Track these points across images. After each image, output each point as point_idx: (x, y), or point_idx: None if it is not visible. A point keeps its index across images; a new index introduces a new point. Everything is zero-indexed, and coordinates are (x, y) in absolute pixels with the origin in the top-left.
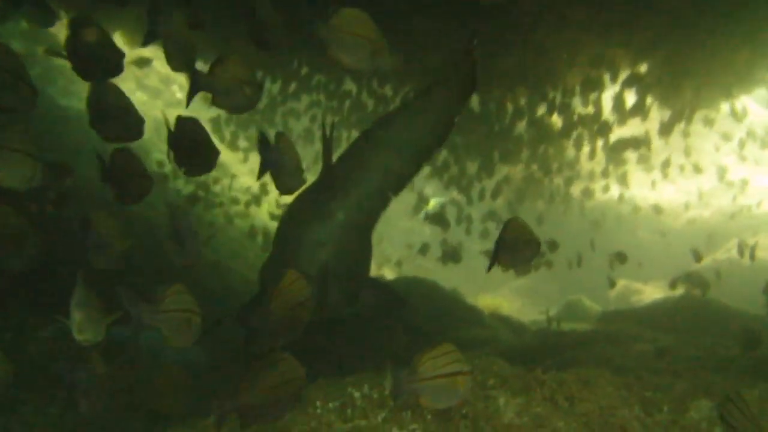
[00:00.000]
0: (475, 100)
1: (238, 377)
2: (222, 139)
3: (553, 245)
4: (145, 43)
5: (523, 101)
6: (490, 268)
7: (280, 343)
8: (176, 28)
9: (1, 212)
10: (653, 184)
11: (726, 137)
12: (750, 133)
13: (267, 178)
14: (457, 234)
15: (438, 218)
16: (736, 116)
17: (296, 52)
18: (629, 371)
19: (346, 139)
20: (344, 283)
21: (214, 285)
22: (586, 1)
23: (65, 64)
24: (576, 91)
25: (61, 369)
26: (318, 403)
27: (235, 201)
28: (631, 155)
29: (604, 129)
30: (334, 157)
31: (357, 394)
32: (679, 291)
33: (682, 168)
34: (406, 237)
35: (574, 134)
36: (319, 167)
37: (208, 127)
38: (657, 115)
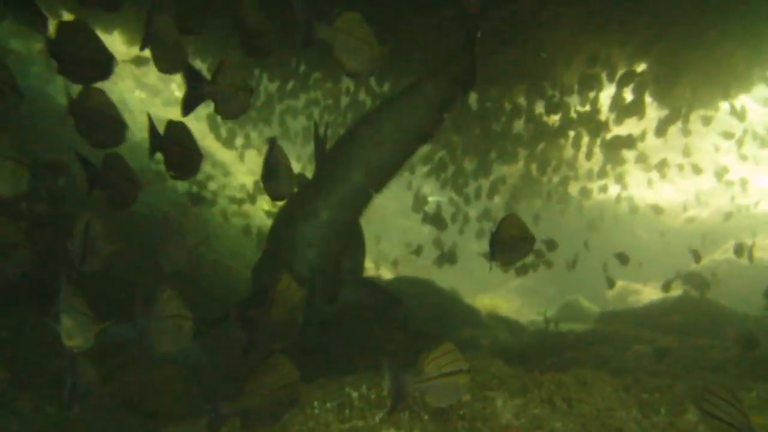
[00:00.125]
0: (472, 99)
1: (237, 380)
2: (218, 137)
3: (552, 245)
4: (142, 48)
5: (521, 99)
6: (491, 263)
7: (279, 347)
8: (163, 31)
9: None
10: (650, 182)
11: (727, 135)
12: (747, 132)
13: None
14: (454, 234)
15: (435, 218)
16: (739, 115)
17: (294, 50)
18: (627, 372)
19: None
20: (327, 282)
21: (214, 284)
22: (583, 1)
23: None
24: (574, 90)
25: (60, 371)
26: (316, 404)
27: (233, 200)
28: (629, 155)
29: (600, 128)
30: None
31: (355, 395)
32: (673, 293)
33: (681, 167)
34: (404, 236)
35: (571, 133)
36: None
37: (204, 125)
38: (655, 114)
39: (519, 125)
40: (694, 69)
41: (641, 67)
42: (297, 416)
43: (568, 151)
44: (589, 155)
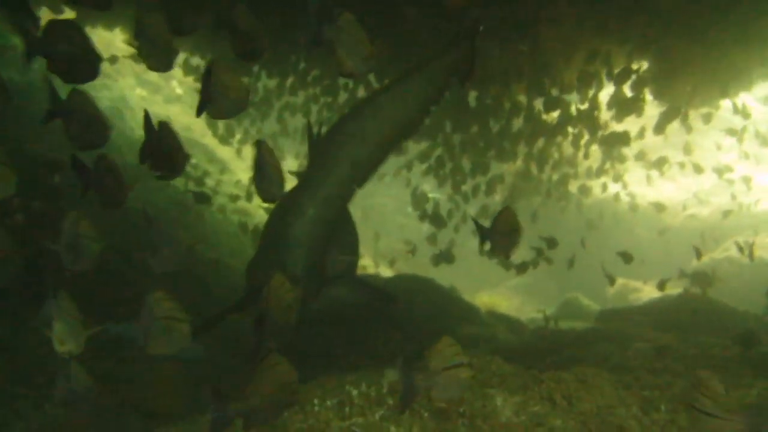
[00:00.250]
0: (471, 96)
1: (238, 380)
2: (215, 133)
3: (552, 242)
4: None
5: (521, 97)
6: (482, 251)
7: (274, 346)
8: (153, 29)
9: None
10: (648, 179)
11: (732, 132)
12: (746, 129)
13: None
14: (452, 233)
15: (434, 216)
16: (743, 113)
17: (296, 48)
18: (627, 370)
19: None
20: (312, 279)
21: (215, 283)
22: None
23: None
24: (573, 87)
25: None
26: (316, 401)
27: (232, 198)
28: (629, 153)
29: (597, 125)
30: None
31: (355, 392)
32: (669, 291)
33: (682, 165)
34: (403, 233)
35: (570, 130)
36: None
37: (202, 120)
38: (656, 112)
39: (518, 123)
40: (693, 67)
41: (641, 65)
42: (297, 414)
43: (568, 149)
44: (586, 153)
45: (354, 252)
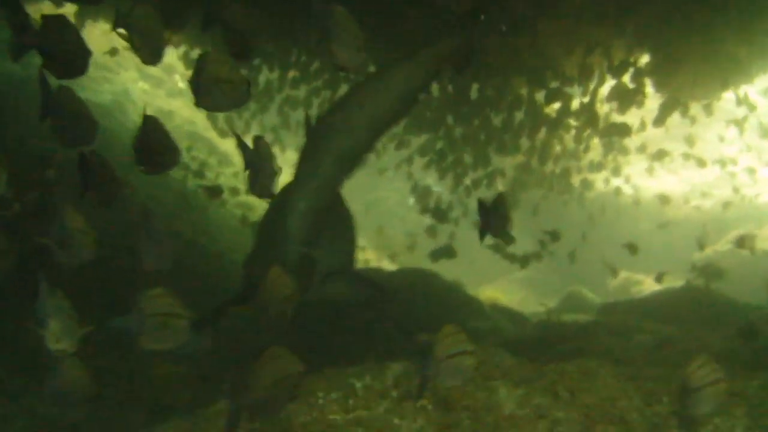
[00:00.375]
0: (473, 89)
1: (243, 372)
2: (214, 126)
3: (555, 235)
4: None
5: (522, 90)
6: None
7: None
8: (143, 21)
9: None
10: (650, 170)
11: (737, 123)
12: (746, 119)
13: None
14: (454, 227)
15: (436, 211)
16: (748, 105)
17: (294, 39)
18: (630, 362)
19: None
20: (305, 272)
21: (218, 277)
22: None
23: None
24: (574, 79)
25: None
26: (320, 394)
27: (234, 191)
28: (630, 145)
29: (596, 117)
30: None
31: (359, 385)
32: (669, 284)
33: (687, 156)
34: (405, 226)
35: (572, 123)
36: None
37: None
38: (657, 105)
39: (519, 115)
40: (693, 58)
41: (637, 58)
42: (301, 406)
43: (570, 142)
44: (584, 145)
45: (351, 247)
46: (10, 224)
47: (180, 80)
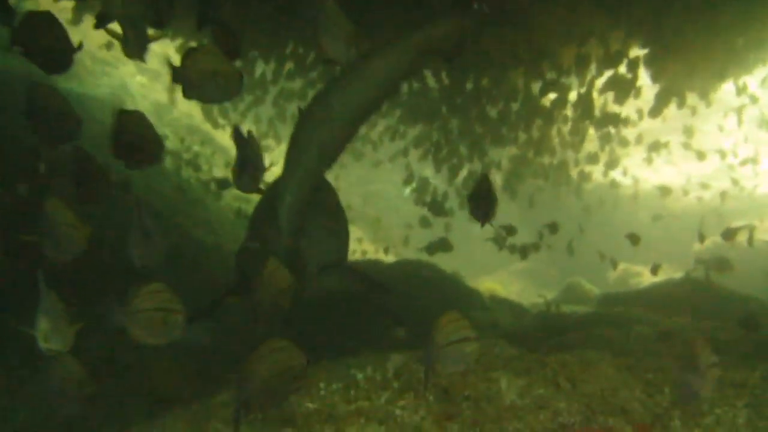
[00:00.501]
0: (470, 79)
1: (248, 364)
2: (208, 118)
3: (554, 227)
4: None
5: (518, 81)
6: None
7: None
8: (134, 14)
9: None
10: (650, 159)
11: (738, 111)
12: (743, 108)
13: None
14: (452, 220)
15: (433, 205)
16: (750, 98)
17: (289, 31)
18: (630, 354)
19: None
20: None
21: (217, 269)
22: None
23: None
24: (571, 70)
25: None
26: (322, 385)
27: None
28: (630, 137)
29: (590, 108)
30: None
31: (360, 376)
32: (665, 276)
33: (687, 145)
34: (399, 216)
35: (569, 114)
36: None
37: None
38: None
39: (515, 106)
40: (689, 49)
41: (636, 49)
42: (303, 397)
43: (567, 134)
44: (582, 137)
45: (344, 240)
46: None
47: None
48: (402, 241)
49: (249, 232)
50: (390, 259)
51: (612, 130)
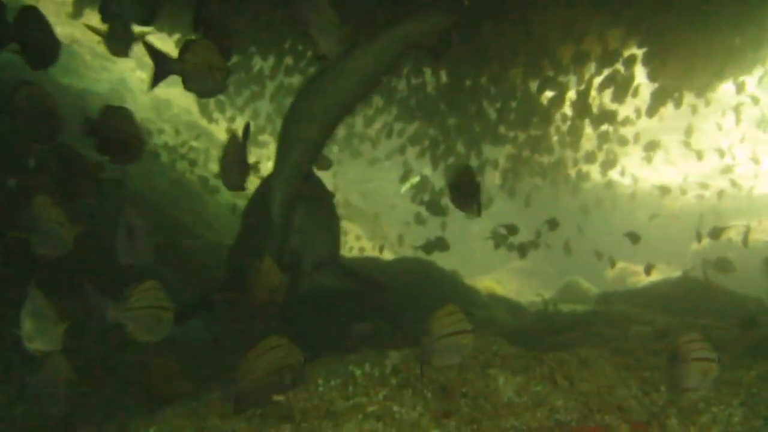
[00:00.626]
0: (468, 77)
1: (245, 361)
2: (203, 113)
3: (553, 223)
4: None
5: (517, 80)
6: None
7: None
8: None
9: None
10: (649, 158)
11: (735, 109)
12: (741, 105)
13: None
14: (450, 221)
15: (431, 204)
16: (752, 99)
17: (288, 27)
18: (628, 352)
19: None
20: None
21: (216, 265)
22: None
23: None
24: (569, 68)
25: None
26: (320, 381)
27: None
28: (629, 136)
29: (587, 107)
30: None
31: (358, 372)
32: (660, 276)
33: (687, 144)
34: (396, 213)
35: (567, 113)
36: None
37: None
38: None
39: (513, 104)
40: (687, 48)
41: (634, 48)
42: (301, 393)
43: (565, 132)
44: (578, 135)
45: (335, 237)
46: None
47: None
48: (397, 240)
49: (241, 228)
50: (387, 256)
51: (610, 128)
